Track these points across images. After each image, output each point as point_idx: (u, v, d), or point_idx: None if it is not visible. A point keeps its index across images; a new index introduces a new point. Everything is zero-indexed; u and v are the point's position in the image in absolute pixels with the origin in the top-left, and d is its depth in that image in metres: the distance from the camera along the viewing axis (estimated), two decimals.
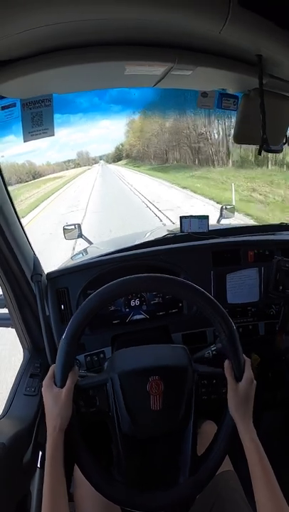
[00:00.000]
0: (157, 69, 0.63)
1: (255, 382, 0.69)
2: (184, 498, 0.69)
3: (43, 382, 0.68)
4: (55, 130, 0.83)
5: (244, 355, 0.70)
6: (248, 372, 0.68)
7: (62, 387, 0.66)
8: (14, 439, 0.81)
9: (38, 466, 0.91)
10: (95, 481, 0.66)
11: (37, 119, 0.79)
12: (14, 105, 0.77)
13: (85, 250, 1.76)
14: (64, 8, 0.42)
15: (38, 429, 0.89)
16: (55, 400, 0.65)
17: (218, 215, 1.76)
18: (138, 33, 0.52)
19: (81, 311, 0.67)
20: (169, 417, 0.68)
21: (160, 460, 0.74)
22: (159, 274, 0.70)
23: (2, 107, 0.76)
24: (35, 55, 0.53)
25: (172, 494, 0.67)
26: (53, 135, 0.84)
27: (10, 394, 0.98)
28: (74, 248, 4.30)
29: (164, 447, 0.73)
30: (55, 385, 0.66)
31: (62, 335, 0.67)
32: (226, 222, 1.84)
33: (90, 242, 1.84)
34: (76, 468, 0.67)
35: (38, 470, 0.91)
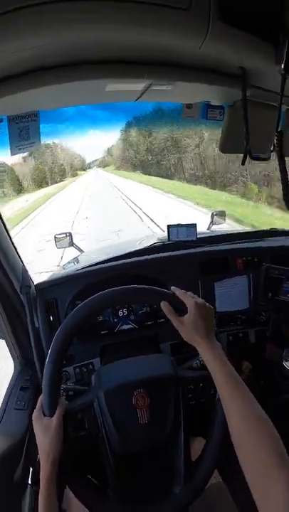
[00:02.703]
0: (137, 85, 0.64)
1: (207, 304, 0.66)
2: (181, 507, 0.69)
3: (33, 415, 0.67)
4: (43, 140, 0.84)
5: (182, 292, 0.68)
6: (190, 301, 0.65)
7: (51, 415, 0.65)
8: (6, 456, 0.80)
9: (29, 482, 0.90)
10: (89, 504, 0.65)
11: (24, 133, 0.79)
12: (1, 121, 0.78)
13: (76, 259, 1.76)
14: (49, 32, 0.43)
15: (29, 444, 0.87)
16: (45, 431, 0.64)
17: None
18: (116, 51, 0.53)
19: (61, 333, 0.67)
20: (159, 428, 0.68)
21: (154, 473, 0.74)
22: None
23: None
24: (20, 75, 0.54)
25: (169, 505, 0.67)
26: (39, 148, 0.84)
27: (1, 408, 0.96)
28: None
29: (156, 460, 0.73)
30: (44, 415, 0.65)
31: (51, 346, 0.67)
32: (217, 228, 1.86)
33: (81, 251, 1.83)
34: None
35: (28, 487, 0.90)
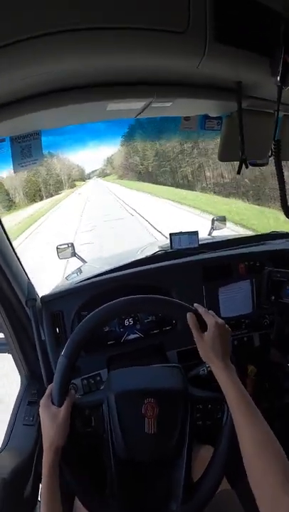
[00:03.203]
0: (137, 104, 0.67)
1: (227, 326, 0.67)
2: None
3: (41, 402, 0.68)
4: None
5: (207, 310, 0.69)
6: (211, 320, 0.66)
7: (60, 405, 0.65)
8: (15, 473, 0.80)
9: (39, 499, 0.89)
10: (88, 504, 0.65)
11: (26, 151, 0.81)
12: (4, 140, 0.80)
13: (79, 269, 1.77)
14: (55, 60, 0.45)
15: (38, 460, 0.87)
16: (52, 420, 0.64)
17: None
18: (118, 74, 0.55)
19: (80, 330, 0.67)
20: (164, 442, 0.67)
21: (154, 485, 0.73)
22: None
23: None
24: (25, 99, 0.56)
25: None
26: (42, 164, 0.87)
27: (9, 424, 0.96)
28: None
29: (157, 472, 0.72)
30: (53, 404, 0.66)
31: (58, 358, 0.67)
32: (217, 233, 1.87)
33: (84, 261, 1.84)
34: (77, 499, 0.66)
35: (38, 504, 0.89)
